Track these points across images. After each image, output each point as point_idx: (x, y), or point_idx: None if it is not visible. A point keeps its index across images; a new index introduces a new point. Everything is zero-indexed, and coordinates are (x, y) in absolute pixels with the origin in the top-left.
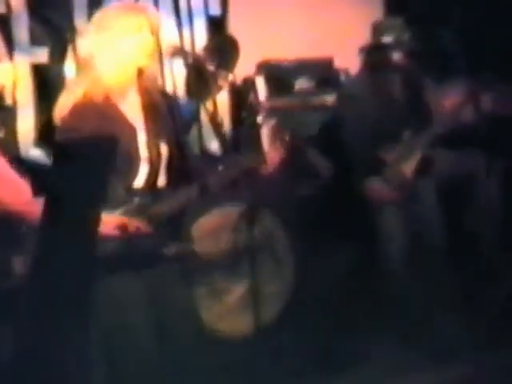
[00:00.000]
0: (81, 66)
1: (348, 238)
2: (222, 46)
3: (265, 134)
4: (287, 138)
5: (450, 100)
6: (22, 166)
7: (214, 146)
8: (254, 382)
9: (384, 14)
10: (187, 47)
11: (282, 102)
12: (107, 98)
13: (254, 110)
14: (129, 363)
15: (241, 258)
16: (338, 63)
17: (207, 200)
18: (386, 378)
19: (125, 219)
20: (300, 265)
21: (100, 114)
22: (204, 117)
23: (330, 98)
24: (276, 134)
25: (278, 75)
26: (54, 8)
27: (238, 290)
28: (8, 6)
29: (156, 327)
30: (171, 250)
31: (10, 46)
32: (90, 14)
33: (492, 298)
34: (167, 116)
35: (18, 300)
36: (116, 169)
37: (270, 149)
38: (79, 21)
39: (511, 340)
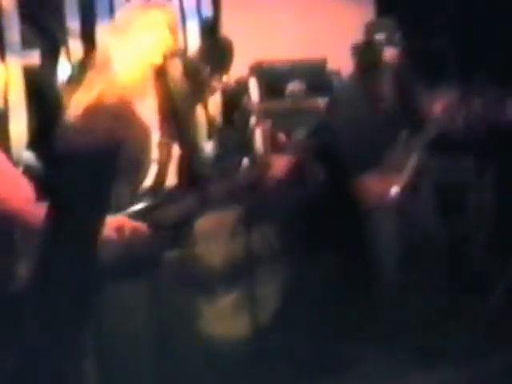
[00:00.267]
0: (97, 66)
1: (342, 243)
2: (217, 47)
3: (258, 135)
4: (281, 140)
5: (439, 104)
6: (26, 169)
7: (208, 147)
8: None
9: (376, 16)
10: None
11: (274, 104)
12: (123, 99)
13: (247, 111)
14: (128, 367)
15: (237, 263)
16: (331, 65)
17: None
18: (379, 382)
19: (124, 220)
20: (294, 269)
21: (113, 115)
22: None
23: (322, 101)
24: (270, 136)
25: (271, 77)
26: (46, 9)
27: (232, 294)
28: None
29: (155, 331)
30: (170, 254)
31: (1, 48)
32: (81, 16)
33: (484, 304)
34: (188, 117)
35: (21, 304)
36: (122, 171)
37: (277, 156)
38: (71, 22)
39: (504, 345)
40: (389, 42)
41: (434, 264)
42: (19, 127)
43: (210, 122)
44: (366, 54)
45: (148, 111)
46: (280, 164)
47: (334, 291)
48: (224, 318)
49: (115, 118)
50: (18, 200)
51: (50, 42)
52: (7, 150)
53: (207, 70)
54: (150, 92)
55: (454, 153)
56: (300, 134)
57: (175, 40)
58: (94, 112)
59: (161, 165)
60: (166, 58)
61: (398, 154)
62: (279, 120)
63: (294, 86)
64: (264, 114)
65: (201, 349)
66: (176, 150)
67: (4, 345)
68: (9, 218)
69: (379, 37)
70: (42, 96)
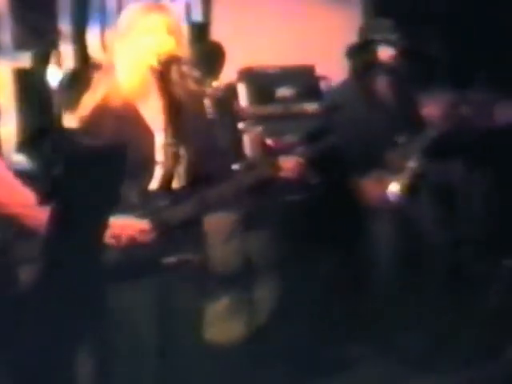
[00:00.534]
0: (103, 69)
1: (340, 245)
2: (208, 52)
3: (247, 140)
4: (270, 145)
5: (439, 107)
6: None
7: None
8: None
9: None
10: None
11: (263, 109)
12: (127, 101)
13: (236, 116)
14: (129, 369)
15: (235, 265)
16: (320, 71)
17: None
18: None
19: (129, 222)
20: (288, 272)
21: (118, 117)
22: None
23: (311, 106)
24: (259, 140)
25: (260, 82)
26: (38, 12)
27: (227, 298)
28: None
29: (156, 333)
30: (170, 259)
31: None
32: (73, 18)
33: (480, 306)
34: (193, 119)
35: (25, 306)
36: (129, 173)
37: (285, 158)
38: (63, 25)
39: (495, 352)
40: (386, 42)
41: (431, 266)
42: (9, 129)
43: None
44: (361, 53)
45: (153, 113)
46: (288, 165)
47: (330, 293)
48: (221, 320)
49: (119, 121)
50: (16, 205)
51: (41, 45)
52: None
53: (199, 74)
54: (155, 94)
55: (446, 155)
56: (289, 138)
57: (178, 42)
58: (98, 114)
59: (167, 167)
60: (167, 60)
61: (397, 156)
62: (268, 125)
63: (283, 92)
64: (253, 119)
65: (198, 350)
66: (182, 152)
67: (5, 345)
68: (7, 223)
69: (376, 37)
70: (33, 98)
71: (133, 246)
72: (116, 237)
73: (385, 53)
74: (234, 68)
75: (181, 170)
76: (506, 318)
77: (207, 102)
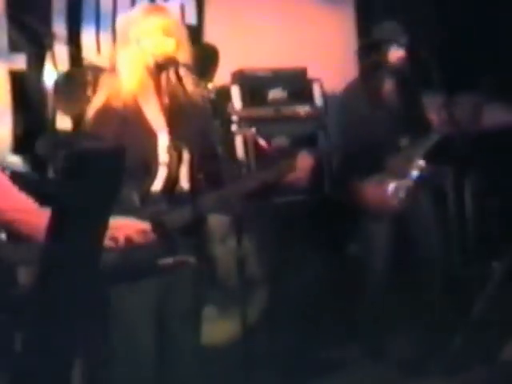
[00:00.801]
0: (107, 71)
1: (334, 248)
2: (202, 54)
3: (239, 142)
4: (263, 146)
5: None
6: (26, 178)
7: None
8: None
9: (356, 27)
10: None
11: (256, 111)
12: (131, 102)
13: (228, 118)
14: (126, 369)
15: (229, 267)
16: (312, 74)
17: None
18: None
19: (131, 223)
20: (281, 274)
21: (121, 119)
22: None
23: (303, 108)
24: (253, 142)
25: (253, 85)
26: (33, 14)
27: (220, 299)
28: None
29: (154, 336)
30: (167, 261)
31: None
32: (68, 20)
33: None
34: (196, 120)
35: (24, 309)
36: (130, 175)
37: (301, 158)
38: (58, 27)
39: (487, 355)
40: (396, 43)
41: (424, 269)
42: (4, 130)
43: None
44: (370, 53)
45: (156, 115)
46: (305, 163)
47: (323, 295)
48: (214, 321)
49: (122, 122)
50: (12, 210)
51: (36, 47)
52: None
53: (194, 76)
54: (156, 95)
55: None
56: (281, 140)
57: (177, 44)
58: (101, 116)
59: (171, 168)
60: (165, 62)
61: (399, 159)
62: (260, 127)
63: (275, 94)
64: (246, 121)
65: (194, 351)
66: (186, 154)
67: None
68: (5, 229)
69: (386, 36)
70: (28, 100)
71: (131, 248)
72: (114, 239)
73: (394, 54)
74: (227, 70)
75: (184, 171)
76: (496, 321)
77: (205, 104)
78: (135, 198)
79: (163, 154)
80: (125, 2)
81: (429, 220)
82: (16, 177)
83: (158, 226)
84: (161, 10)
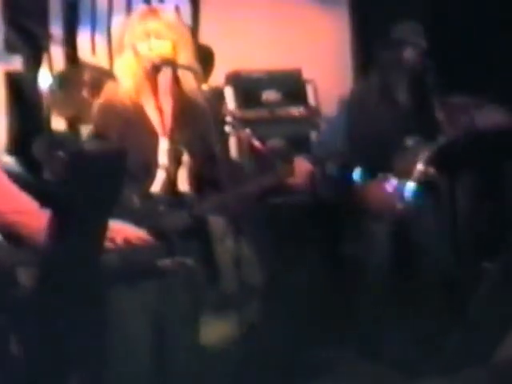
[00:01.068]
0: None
1: (332, 248)
2: (197, 55)
3: (233, 143)
4: (258, 147)
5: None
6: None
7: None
8: None
9: (350, 28)
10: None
11: (250, 112)
12: (132, 105)
13: (222, 119)
14: (125, 372)
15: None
16: (306, 75)
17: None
18: None
19: (127, 228)
20: (275, 275)
21: (124, 121)
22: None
23: (297, 110)
24: (248, 143)
25: (247, 86)
26: (30, 16)
27: (213, 300)
28: None
29: (152, 337)
30: (165, 262)
31: None
32: (65, 23)
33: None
34: (195, 122)
35: (24, 310)
36: (130, 176)
37: (298, 164)
38: (54, 28)
39: (481, 356)
40: (412, 45)
41: (420, 269)
42: (0, 131)
43: None
44: (387, 52)
45: (157, 117)
46: (303, 168)
47: (317, 294)
48: (211, 324)
49: (124, 123)
50: (13, 212)
51: (33, 48)
52: None
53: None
54: (157, 97)
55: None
56: (275, 141)
57: (175, 46)
58: (104, 116)
59: (169, 171)
60: (161, 64)
61: (405, 159)
62: (255, 128)
63: (269, 95)
64: (240, 122)
65: (192, 351)
66: (185, 156)
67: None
68: (4, 231)
69: (404, 37)
70: (24, 101)
71: (129, 249)
72: (112, 240)
73: (410, 55)
74: (221, 71)
75: (183, 174)
76: (491, 321)
77: (204, 105)
78: (135, 200)
79: (162, 157)
80: (120, 4)
81: (429, 222)
82: (11, 177)
83: (156, 228)
84: (154, 14)
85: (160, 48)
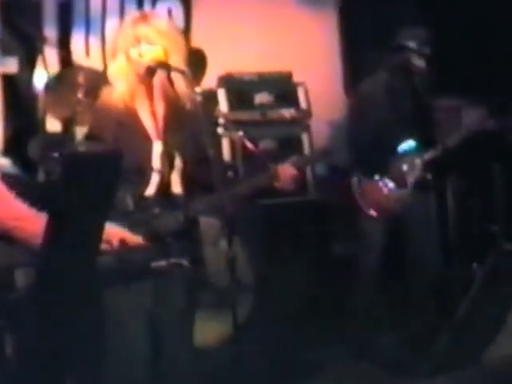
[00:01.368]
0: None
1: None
2: (190, 58)
3: (225, 145)
4: (251, 148)
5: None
6: (25, 182)
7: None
8: None
9: (338, 31)
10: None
11: (242, 114)
12: (126, 109)
13: (215, 121)
14: (120, 371)
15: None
16: (296, 78)
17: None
18: None
19: (121, 232)
20: (263, 275)
21: (118, 124)
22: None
23: (288, 112)
24: (240, 145)
25: (239, 88)
26: (24, 18)
27: (206, 301)
28: None
29: (148, 338)
30: (160, 263)
31: None
32: (59, 25)
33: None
34: (188, 125)
35: (21, 311)
36: (125, 179)
37: (283, 165)
38: (48, 31)
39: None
40: (418, 50)
41: (412, 270)
42: None
43: None
44: (397, 55)
45: (151, 120)
46: (287, 174)
47: (309, 295)
48: (205, 324)
49: (119, 126)
50: (10, 219)
51: (27, 50)
52: None
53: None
54: (150, 101)
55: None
56: (267, 143)
57: (167, 50)
58: (100, 120)
59: (163, 174)
60: (154, 68)
61: (402, 163)
62: (247, 130)
63: (261, 97)
64: (232, 124)
65: (187, 351)
66: (178, 160)
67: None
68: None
69: (410, 44)
70: (19, 103)
71: (125, 251)
72: (108, 242)
73: (415, 62)
74: (214, 74)
75: (175, 176)
76: (481, 321)
77: (197, 108)
78: (129, 202)
79: (156, 160)
80: (114, 7)
81: (422, 224)
82: (6, 179)
83: (150, 230)
84: (144, 20)
85: (150, 53)
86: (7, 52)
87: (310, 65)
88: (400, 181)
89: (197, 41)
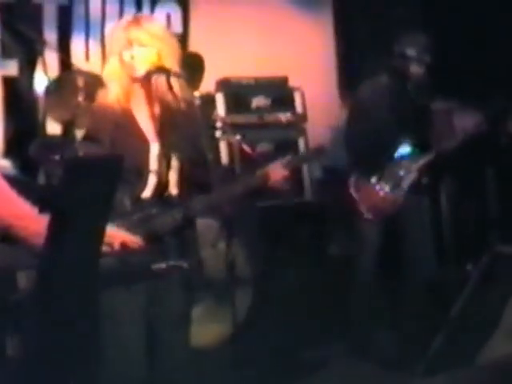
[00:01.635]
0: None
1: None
2: (188, 62)
3: (223, 148)
4: (248, 151)
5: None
6: (26, 184)
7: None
8: None
9: (334, 37)
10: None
11: (240, 117)
12: (121, 111)
13: (213, 125)
14: (117, 372)
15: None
16: (293, 82)
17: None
18: None
19: (120, 233)
20: (261, 276)
21: (114, 126)
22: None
23: (284, 115)
24: (238, 148)
25: (237, 92)
26: (25, 21)
27: (204, 303)
28: None
29: (145, 339)
30: (160, 266)
31: None
32: (59, 29)
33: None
34: (186, 128)
35: (23, 312)
36: (122, 180)
37: (274, 166)
38: (48, 34)
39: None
40: (418, 58)
41: (408, 270)
42: None
43: None
44: (397, 63)
45: (148, 123)
46: (278, 174)
47: (307, 295)
48: (202, 324)
49: (117, 128)
50: (12, 217)
51: (27, 53)
52: None
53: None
54: (146, 104)
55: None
56: (264, 146)
57: (161, 53)
58: (97, 122)
59: (160, 175)
60: (151, 71)
61: (398, 166)
62: (244, 133)
63: (258, 101)
64: (230, 128)
65: (185, 351)
66: (175, 161)
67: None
68: (2, 234)
69: (410, 51)
70: (19, 105)
71: (126, 253)
72: (109, 244)
73: (415, 69)
74: (212, 78)
75: (173, 178)
76: (476, 322)
77: (194, 111)
78: (126, 203)
79: (153, 162)
80: (113, 11)
81: (417, 225)
82: (8, 181)
83: (150, 232)
84: (136, 23)
85: (142, 56)
86: (8, 55)
87: (306, 70)
88: (396, 183)
89: (195, 45)
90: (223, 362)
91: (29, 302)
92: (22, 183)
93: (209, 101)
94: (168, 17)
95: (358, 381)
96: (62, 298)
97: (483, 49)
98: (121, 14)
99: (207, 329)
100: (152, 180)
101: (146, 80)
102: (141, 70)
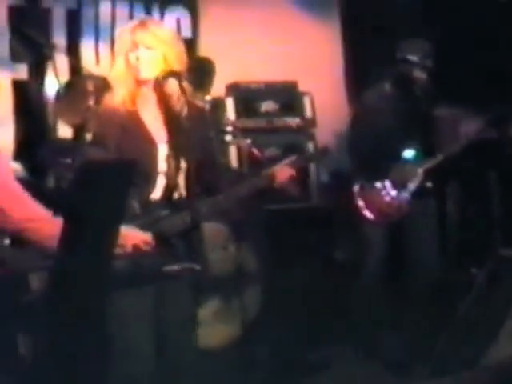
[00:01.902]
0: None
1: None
2: (199, 67)
3: (232, 152)
4: (257, 155)
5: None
6: (38, 187)
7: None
8: None
9: (342, 42)
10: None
11: (249, 122)
12: (128, 113)
13: (223, 129)
14: (124, 373)
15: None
16: (302, 87)
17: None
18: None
19: (133, 232)
20: (269, 278)
21: (121, 129)
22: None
23: (293, 120)
24: (248, 152)
25: (246, 97)
26: (34, 25)
27: (212, 304)
28: None
29: (154, 340)
30: (172, 268)
31: None
32: (68, 33)
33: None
34: (195, 130)
35: (35, 313)
36: (132, 183)
37: (280, 166)
38: (58, 38)
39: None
40: (420, 64)
41: (413, 272)
42: (7, 138)
43: None
44: (400, 68)
45: (156, 125)
46: (284, 174)
47: (312, 296)
48: (208, 325)
49: (125, 131)
50: (26, 220)
51: (38, 57)
52: None
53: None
54: (156, 107)
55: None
56: (273, 150)
57: (168, 56)
58: (103, 124)
59: (169, 177)
60: (162, 74)
61: (403, 170)
62: (253, 137)
63: (267, 106)
64: (239, 132)
65: (193, 352)
66: (183, 163)
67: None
68: (16, 237)
69: (412, 57)
70: (30, 109)
71: (138, 255)
72: (122, 246)
73: (417, 74)
74: (222, 83)
75: (181, 180)
76: (481, 324)
77: (204, 114)
78: (135, 206)
79: (162, 164)
80: (123, 14)
81: (422, 229)
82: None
83: (159, 234)
84: (143, 26)
85: (147, 58)
86: (17, 58)
87: (315, 74)
88: (401, 188)
89: (205, 50)
90: (230, 362)
91: (41, 303)
92: (35, 186)
93: (219, 105)
94: (178, 21)
95: (361, 382)
96: (75, 300)
97: (486, 55)
98: (130, 18)
99: (216, 330)
100: (161, 182)
101: (158, 83)
102: (145, 72)
